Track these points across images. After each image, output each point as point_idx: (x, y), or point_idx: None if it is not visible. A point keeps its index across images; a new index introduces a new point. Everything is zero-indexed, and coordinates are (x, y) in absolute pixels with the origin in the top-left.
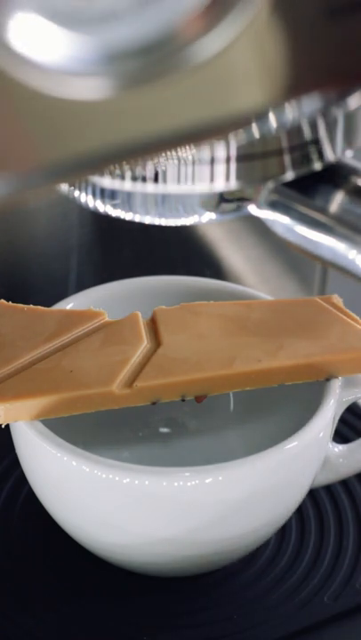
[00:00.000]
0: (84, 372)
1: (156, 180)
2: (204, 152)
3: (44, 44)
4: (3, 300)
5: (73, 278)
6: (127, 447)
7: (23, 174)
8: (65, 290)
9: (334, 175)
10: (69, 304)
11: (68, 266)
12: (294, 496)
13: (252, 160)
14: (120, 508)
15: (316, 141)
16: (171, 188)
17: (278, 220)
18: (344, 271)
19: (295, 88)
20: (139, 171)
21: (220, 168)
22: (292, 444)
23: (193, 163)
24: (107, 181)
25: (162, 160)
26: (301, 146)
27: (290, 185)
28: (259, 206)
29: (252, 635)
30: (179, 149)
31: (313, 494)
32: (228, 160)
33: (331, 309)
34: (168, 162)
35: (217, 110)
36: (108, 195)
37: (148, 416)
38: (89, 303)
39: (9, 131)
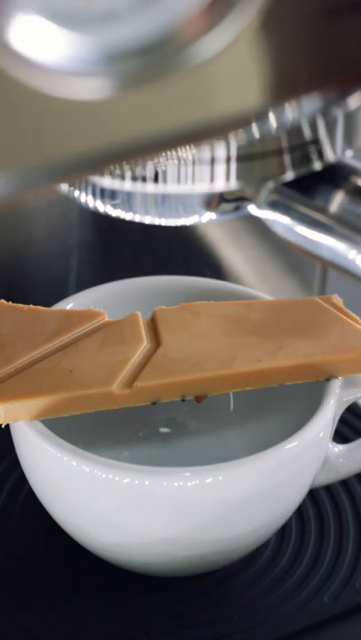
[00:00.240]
0: (83, 372)
1: (156, 180)
2: (204, 152)
3: (45, 44)
4: (3, 300)
5: (73, 278)
6: (127, 447)
7: (23, 174)
8: (65, 290)
9: (334, 175)
10: (69, 304)
11: (68, 266)
12: (294, 496)
13: (252, 160)
14: (120, 508)
15: (316, 141)
16: (171, 188)
17: (278, 220)
18: (344, 271)
19: (295, 88)
20: (139, 171)
21: (220, 168)
22: (292, 444)
23: (193, 163)
24: (107, 181)
25: (162, 160)
26: (301, 146)
27: (290, 185)
28: (259, 206)
29: (252, 635)
30: (179, 149)
31: (313, 494)
32: (228, 160)
33: (331, 309)
34: (168, 162)
35: (217, 110)
36: (108, 195)
37: (148, 416)
38: (89, 303)
39: (9, 131)
